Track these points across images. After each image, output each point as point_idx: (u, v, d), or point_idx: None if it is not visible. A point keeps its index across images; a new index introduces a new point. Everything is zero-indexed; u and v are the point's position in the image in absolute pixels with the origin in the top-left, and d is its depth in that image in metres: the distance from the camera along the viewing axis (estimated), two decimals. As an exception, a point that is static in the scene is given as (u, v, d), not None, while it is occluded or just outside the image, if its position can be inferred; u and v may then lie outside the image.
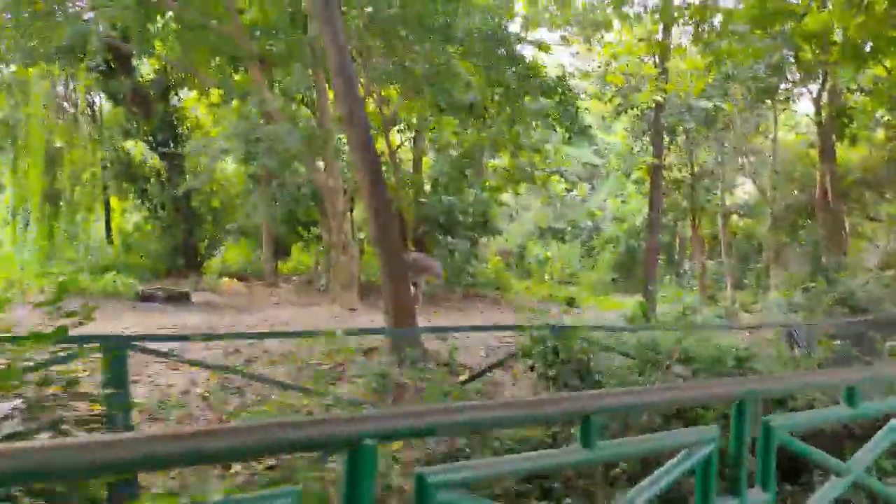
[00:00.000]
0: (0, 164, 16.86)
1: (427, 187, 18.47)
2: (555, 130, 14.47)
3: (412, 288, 13.94)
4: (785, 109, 20.53)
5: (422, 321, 12.78)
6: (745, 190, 23.66)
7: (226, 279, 16.97)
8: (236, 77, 13.88)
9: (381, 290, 9.32)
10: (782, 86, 16.43)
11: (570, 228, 25.44)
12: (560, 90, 12.81)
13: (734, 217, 23.17)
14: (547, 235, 25.50)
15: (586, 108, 23.24)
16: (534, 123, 16.30)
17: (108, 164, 16.62)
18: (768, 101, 16.76)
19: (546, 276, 22.96)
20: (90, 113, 17.87)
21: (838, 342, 6.32)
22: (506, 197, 24.67)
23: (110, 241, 18.19)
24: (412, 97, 14.48)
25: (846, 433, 3.94)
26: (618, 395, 2.00)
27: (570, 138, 14.63)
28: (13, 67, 14.90)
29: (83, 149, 16.54)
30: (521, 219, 27.27)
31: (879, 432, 2.38)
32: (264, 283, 17.27)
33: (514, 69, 11.71)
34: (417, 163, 18.22)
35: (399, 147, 17.90)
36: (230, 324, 11.15)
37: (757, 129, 19.02)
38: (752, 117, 17.88)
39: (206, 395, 7.41)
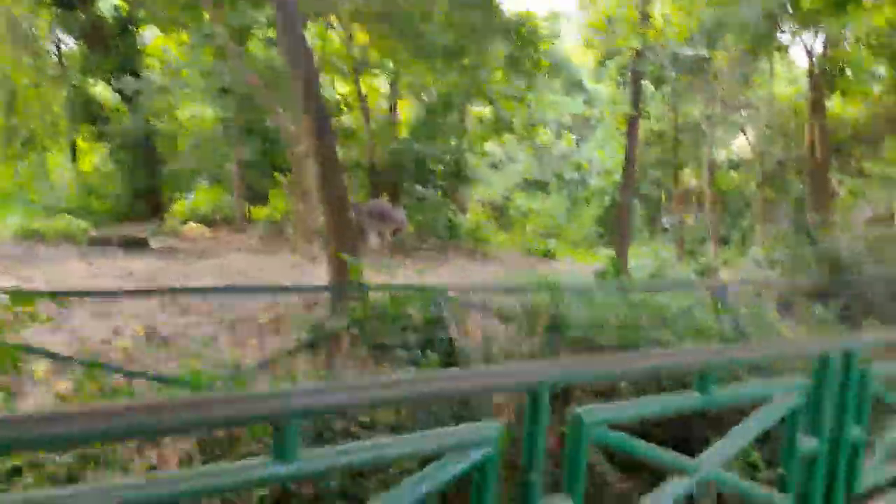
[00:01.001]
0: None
1: (405, 135, 18.00)
2: (523, 75, 13.87)
3: (376, 238, 13.67)
4: (781, 60, 19.83)
5: (383, 274, 12.61)
6: (735, 144, 23.08)
7: (191, 224, 16.59)
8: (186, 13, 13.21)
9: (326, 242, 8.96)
10: (779, 36, 15.76)
11: (554, 180, 24.93)
12: (521, 32, 12.20)
13: (724, 173, 22.66)
14: (532, 187, 25.02)
15: (568, 55, 22.57)
16: (510, 69, 15.77)
17: (68, 104, 16.01)
18: (761, 52, 16.07)
19: (529, 229, 22.55)
20: (54, 51, 17.20)
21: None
22: (491, 147, 24.32)
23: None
24: (384, 38, 13.85)
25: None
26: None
27: (530, 82, 14.03)
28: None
29: (44, 86, 15.93)
30: (506, 170, 26.76)
31: (737, 426, 2.04)
32: (232, 229, 16.92)
33: (477, 9, 11.10)
34: (392, 109, 17.64)
35: (367, 92, 17.27)
36: (180, 271, 10.86)
37: (749, 82, 18.35)
38: (745, 68, 17.21)
39: (127, 346, 7.12)
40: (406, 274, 12.43)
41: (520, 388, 1.71)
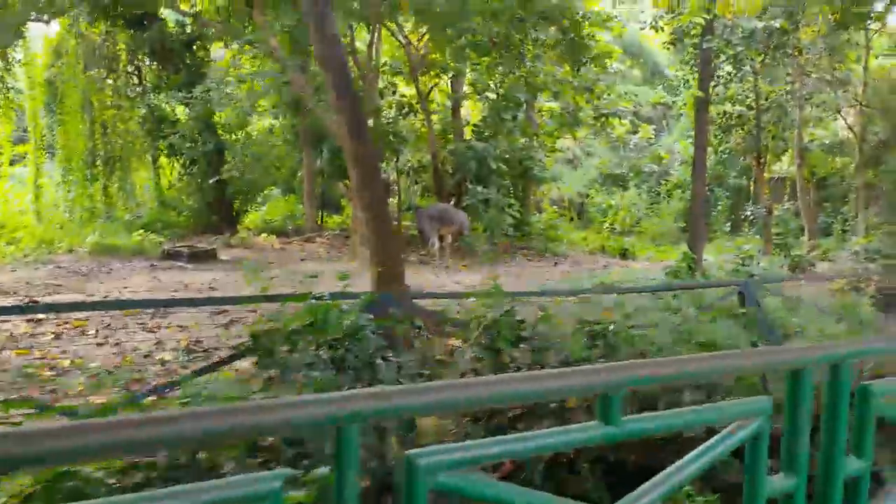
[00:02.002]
0: (41, 124, 17.27)
1: (469, 135, 17.77)
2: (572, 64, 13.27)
3: (436, 242, 13.47)
4: (878, 32, 18.19)
5: (440, 278, 12.42)
6: (832, 125, 21.36)
7: (263, 235, 16.96)
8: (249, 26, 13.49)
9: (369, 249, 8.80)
10: (877, 7, 14.39)
11: (632, 174, 23.96)
12: (570, 16, 11.62)
13: (819, 156, 21.03)
14: (609, 183, 24.17)
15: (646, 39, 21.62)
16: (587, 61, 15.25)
17: (142, 121, 16.72)
18: (853, 24, 14.72)
19: (607, 227, 21.79)
20: (132, 70, 18.02)
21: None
22: (564, 143, 23.67)
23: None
24: (434, 36, 13.65)
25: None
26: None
27: (578, 70, 13.39)
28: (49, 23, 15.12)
29: (121, 107, 16.72)
30: (581, 166, 26.00)
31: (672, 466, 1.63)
32: (303, 238, 17.18)
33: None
34: (455, 109, 17.40)
35: (430, 92, 17.10)
36: (238, 282, 11.01)
37: (840, 56, 16.89)
38: (834, 41, 15.84)
39: (167, 359, 7.17)
40: (456, 279, 12.27)
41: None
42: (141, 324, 7.98)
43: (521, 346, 4.47)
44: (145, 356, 6.82)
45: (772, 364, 2.08)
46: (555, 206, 21.77)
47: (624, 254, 17.35)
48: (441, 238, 14.08)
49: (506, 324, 4.43)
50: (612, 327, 4.75)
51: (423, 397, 1.36)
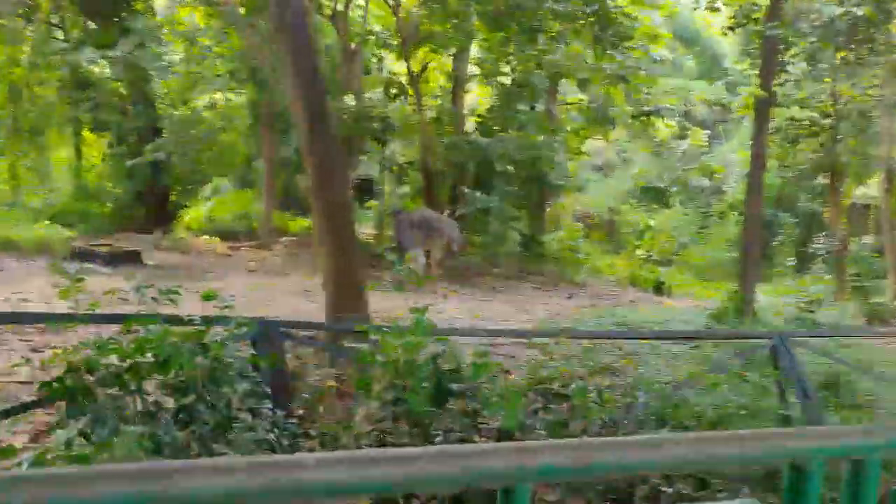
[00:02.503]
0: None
1: (472, 128, 17.72)
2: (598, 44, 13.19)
3: (420, 257, 13.33)
4: None
5: (416, 304, 12.27)
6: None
7: (206, 237, 16.86)
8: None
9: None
10: None
11: (676, 189, 23.83)
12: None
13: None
14: (648, 197, 24.04)
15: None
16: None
17: (61, 84, 16.63)
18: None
19: (641, 253, 21.60)
20: (54, 22, 17.94)
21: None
22: (595, 144, 23.61)
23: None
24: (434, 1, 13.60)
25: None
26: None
27: (604, 52, 13.30)
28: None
29: (37, 65, 16.59)
30: (616, 174, 25.93)
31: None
32: (257, 243, 17.07)
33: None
34: (456, 93, 17.31)
35: (424, 70, 17.03)
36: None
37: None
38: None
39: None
40: (439, 307, 12.08)
41: None
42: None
43: (448, 403, 4.26)
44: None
45: (769, 453, 1.88)
46: (577, 223, 21.58)
47: (659, 288, 17.23)
48: (427, 254, 13.93)
49: (427, 372, 4.26)
50: (574, 385, 4.55)
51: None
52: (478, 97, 20.81)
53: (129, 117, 16.40)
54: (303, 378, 5.46)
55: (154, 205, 17.03)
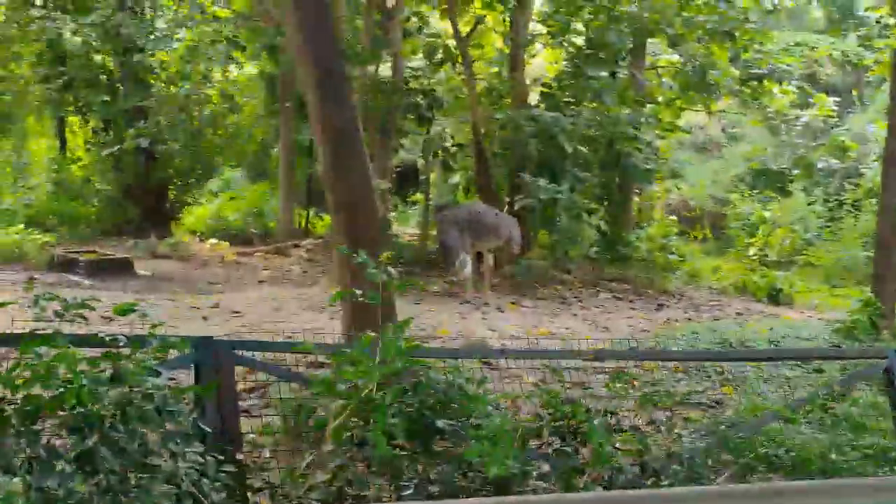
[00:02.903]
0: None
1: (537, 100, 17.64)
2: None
3: (467, 263, 13.35)
4: None
5: (468, 319, 12.24)
6: None
7: (212, 242, 17.10)
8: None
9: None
10: None
11: (799, 172, 23.28)
12: None
13: None
14: (762, 184, 23.57)
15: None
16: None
17: (37, 59, 17.01)
18: None
19: (754, 253, 21.25)
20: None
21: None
22: (694, 118, 23.31)
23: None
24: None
25: None
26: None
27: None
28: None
29: (10, 38, 17.01)
30: (723, 155, 25.54)
31: None
32: (272, 248, 17.26)
33: None
34: (516, 59, 17.26)
35: (474, 30, 17.02)
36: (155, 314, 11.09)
37: None
38: None
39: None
40: (495, 323, 12.06)
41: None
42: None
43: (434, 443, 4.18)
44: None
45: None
46: (671, 217, 21.32)
47: (775, 296, 16.87)
48: (478, 257, 13.92)
49: (405, 405, 4.19)
50: (593, 420, 4.42)
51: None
52: (545, 62, 20.74)
53: (117, 99, 16.64)
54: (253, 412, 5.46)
55: (149, 203, 17.30)
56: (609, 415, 4.95)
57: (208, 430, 4.05)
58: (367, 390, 4.10)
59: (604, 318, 13.14)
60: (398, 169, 23.22)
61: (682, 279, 17.66)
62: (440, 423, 4.17)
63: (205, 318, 10.96)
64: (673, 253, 18.26)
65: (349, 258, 8.09)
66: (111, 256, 14.17)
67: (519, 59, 17.50)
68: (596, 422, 4.45)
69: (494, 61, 18.62)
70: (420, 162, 20.16)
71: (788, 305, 16.58)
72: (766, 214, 22.97)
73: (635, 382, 8.66)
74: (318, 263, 16.24)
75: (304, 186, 18.84)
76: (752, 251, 21.24)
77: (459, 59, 16.72)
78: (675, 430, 5.45)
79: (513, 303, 13.83)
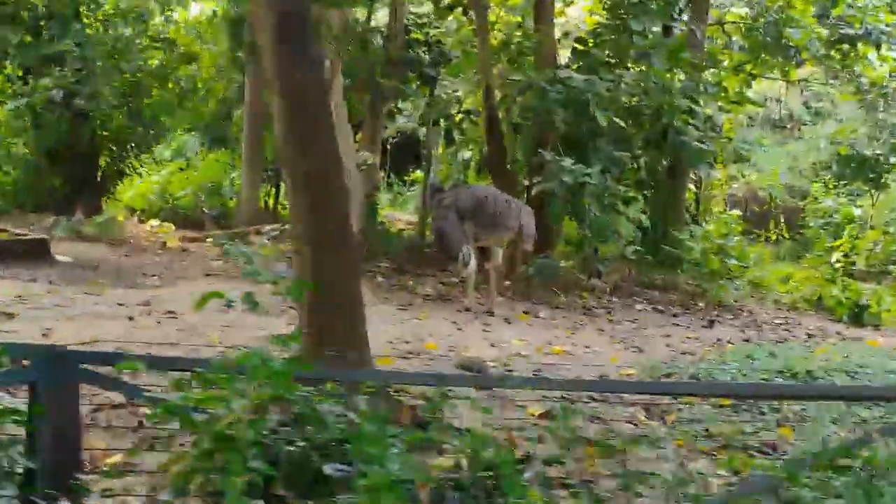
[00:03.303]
0: None
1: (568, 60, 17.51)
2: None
3: (471, 260, 13.22)
4: None
5: (466, 331, 12.11)
6: None
7: (154, 223, 17.08)
8: None
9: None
10: None
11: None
12: None
13: None
14: (852, 173, 23.37)
15: None
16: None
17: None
18: None
19: (837, 259, 21.10)
20: None
21: None
22: (766, 87, 23.14)
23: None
24: None
25: None
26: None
27: None
28: None
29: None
30: (804, 136, 25.37)
31: None
32: (229, 233, 17.22)
33: None
34: (542, 7, 17.10)
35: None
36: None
37: None
38: None
39: None
40: (504, 336, 11.95)
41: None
42: None
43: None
44: None
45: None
46: (733, 212, 21.16)
47: (859, 315, 16.73)
48: (484, 253, 13.77)
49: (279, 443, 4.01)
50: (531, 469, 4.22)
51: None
52: (581, 11, 20.60)
53: (41, 41, 16.54)
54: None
55: (76, 172, 17.15)
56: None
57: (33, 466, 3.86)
58: (225, 422, 3.88)
59: (638, 335, 12.98)
60: (394, 140, 23.19)
61: (744, 290, 17.61)
62: (328, 469, 3.98)
63: (130, 319, 10.78)
64: (733, 257, 18.14)
65: (311, 248, 8.02)
66: (23, 237, 14.02)
67: (547, 6, 17.33)
68: (530, 473, 4.24)
69: (517, 9, 18.40)
70: (421, 132, 20.01)
71: (875, 327, 16.43)
72: (855, 212, 22.86)
73: (670, 418, 8.58)
74: (285, 253, 16.16)
75: (273, 158, 18.71)
76: (834, 257, 21.11)
77: (470, 3, 16.57)
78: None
79: (525, 312, 13.72)
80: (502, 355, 10.58)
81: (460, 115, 18.62)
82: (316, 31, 9.75)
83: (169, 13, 18.71)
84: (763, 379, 10.54)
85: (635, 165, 17.31)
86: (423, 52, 18.11)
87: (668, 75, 16.40)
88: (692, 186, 21.62)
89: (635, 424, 8.36)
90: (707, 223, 20.06)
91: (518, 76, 16.26)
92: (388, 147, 22.71)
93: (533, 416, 8.07)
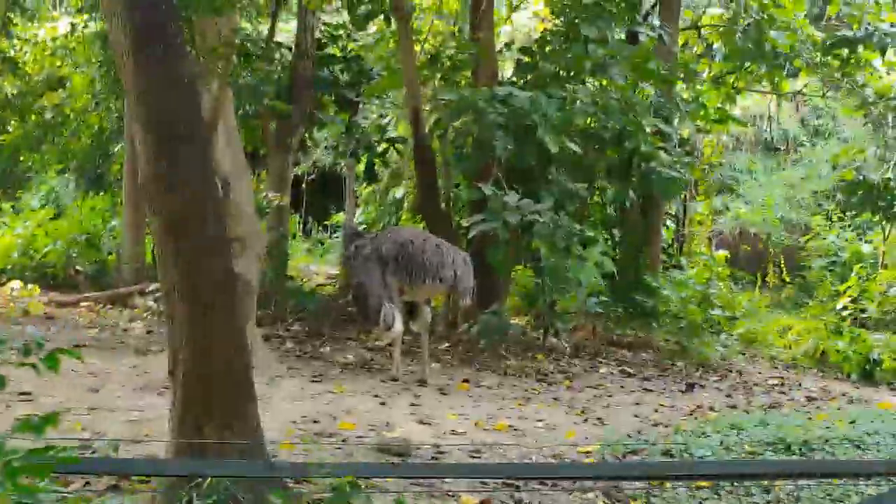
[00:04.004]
0: None
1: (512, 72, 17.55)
2: None
3: (395, 319, 13.08)
4: None
5: (392, 409, 11.98)
6: None
7: (13, 284, 16.92)
8: None
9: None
10: None
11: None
12: None
13: None
14: (859, 203, 23.49)
15: None
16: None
17: None
18: None
19: (844, 305, 21.14)
20: None
21: None
22: (754, 103, 23.31)
23: None
24: None
25: None
26: None
27: None
28: None
29: None
30: (802, 161, 25.56)
31: None
32: (107, 294, 17.11)
33: None
34: (481, 14, 17.20)
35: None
36: None
37: None
38: None
39: None
40: (437, 414, 11.85)
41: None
42: None
43: None
44: None
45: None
46: (719, 252, 21.24)
47: (869, 372, 16.80)
48: (411, 311, 13.66)
49: None
50: None
51: None
52: (533, 17, 20.69)
53: None
54: None
55: None
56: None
57: None
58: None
59: (601, 404, 12.98)
60: (311, 177, 23.12)
61: (732, 347, 17.70)
62: None
63: (-24, 402, 10.61)
64: (719, 307, 18.16)
65: (185, 308, 7.86)
66: None
67: (486, 11, 17.35)
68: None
69: (448, 16, 18.42)
70: (342, 164, 20.03)
71: (890, 385, 16.50)
72: (864, 249, 22.96)
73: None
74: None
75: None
76: (840, 303, 21.14)
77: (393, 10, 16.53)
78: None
79: (465, 381, 13.65)
80: (434, 434, 10.50)
81: (385, 145, 18.52)
82: (187, 43, 9.63)
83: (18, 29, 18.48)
84: (750, 454, 10.50)
85: (601, 199, 17.33)
86: (341, 70, 18.04)
87: (631, 90, 16.38)
88: (671, 224, 21.72)
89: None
90: (689, 267, 20.10)
91: (448, 94, 16.13)
92: (304, 186, 22.68)
93: (468, 505, 8.02)
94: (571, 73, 16.71)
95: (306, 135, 18.73)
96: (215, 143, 12.93)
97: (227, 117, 13.35)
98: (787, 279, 23.96)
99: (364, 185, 21.30)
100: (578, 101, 15.79)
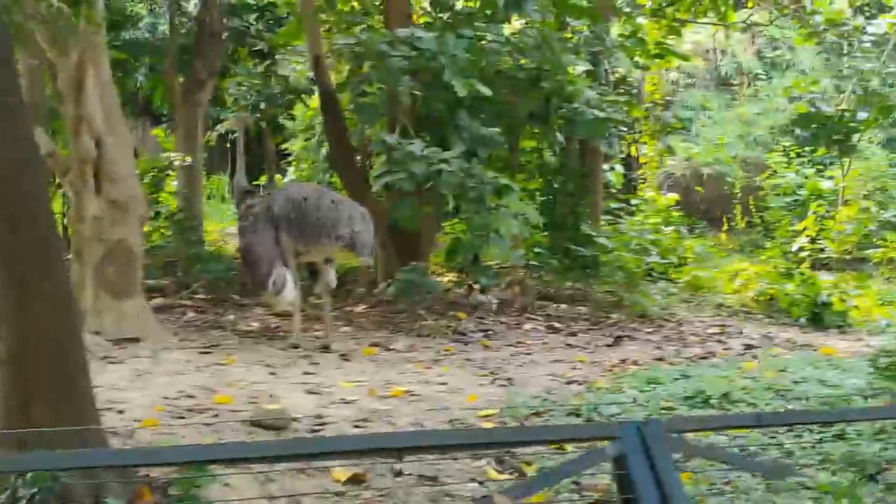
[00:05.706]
0: None
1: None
2: None
3: (288, 282, 12.79)
4: None
5: (279, 379, 11.69)
6: None
7: None
8: None
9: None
10: None
11: (871, 117, 22.99)
12: None
13: None
14: (817, 136, 23.36)
15: None
16: None
17: None
18: None
19: (801, 246, 21.04)
20: None
21: None
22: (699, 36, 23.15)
23: None
24: None
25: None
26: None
27: None
28: None
29: None
30: (757, 94, 25.40)
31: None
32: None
33: None
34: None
35: None
36: None
37: None
38: None
39: None
40: (316, 382, 11.59)
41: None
42: None
43: None
44: None
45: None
46: (666, 195, 21.08)
47: (818, 315, 16.57)
48: (313, 273, 13.47)
49: None
50: None
51: None
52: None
53: None
54: None
55: None
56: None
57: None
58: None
59: (515, 363, 12.81)
60: (234, 135, 22.86)
61: (671, 296, 17.60)
62: None
63: None
64: (661, 253, 18.01)
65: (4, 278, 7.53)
66: None
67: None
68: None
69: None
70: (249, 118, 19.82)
71: (840, 329, 16.40)
72: (825, 185, 22.84)
73: (530, 470, 8.25)
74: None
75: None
76: (796, 244, 21.01)
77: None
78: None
79: (374, 345, 13.41)
80: (319, 405, 10.22)
81: (290, 97, 18.32)
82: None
83: None
84: (663, 410, 10.24)
85: (539, 145, 17.07)
86: (256, 19, 17.77)
87: (549, 26, 16.10)
88: (621, 168, 21.58)
89: (481, 483, 8.02)
90: (637, 211, 20.02)
91: (347, 40, 15.88)
92: (229, 144, 22.48)
93: (339, 481, 7.73)
94: (486, 13, 16.48)
95: (221, 89, 18.47)
96: (86, 100, 12.74)
97: (99, 71, 13.05)
98: (748, 221, 23.87)
99: (294, 141, 21.19)
100: (489, 41, 15.57)
